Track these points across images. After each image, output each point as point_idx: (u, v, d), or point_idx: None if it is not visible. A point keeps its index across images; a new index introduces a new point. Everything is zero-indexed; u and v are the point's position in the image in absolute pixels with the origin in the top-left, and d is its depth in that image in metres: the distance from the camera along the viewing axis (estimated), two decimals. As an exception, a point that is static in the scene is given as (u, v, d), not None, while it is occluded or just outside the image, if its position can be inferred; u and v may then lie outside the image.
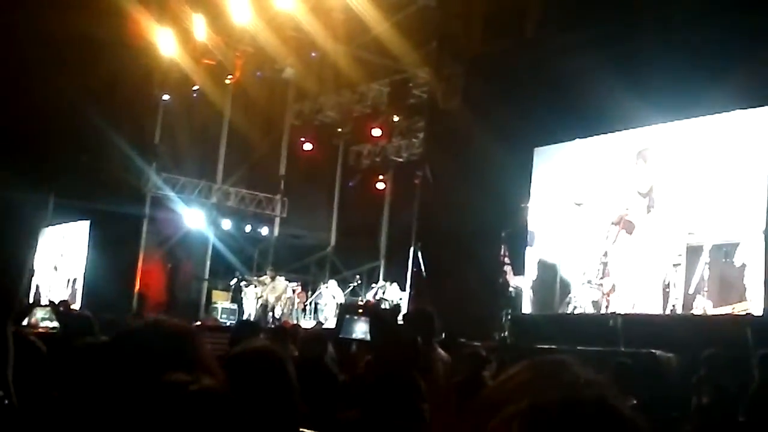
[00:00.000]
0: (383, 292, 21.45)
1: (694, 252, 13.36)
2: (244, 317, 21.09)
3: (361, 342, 11.91)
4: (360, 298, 22.24)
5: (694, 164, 13.68)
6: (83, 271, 24.52)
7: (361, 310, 17.61)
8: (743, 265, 12.68)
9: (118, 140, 21.89)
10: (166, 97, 23.93)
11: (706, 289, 13.08)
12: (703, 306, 13.04)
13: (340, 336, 14.88)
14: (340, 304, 20.33)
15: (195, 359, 1.96)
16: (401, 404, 4.08)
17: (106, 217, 23.32)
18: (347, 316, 16.75)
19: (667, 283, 13.72)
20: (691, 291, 13.25)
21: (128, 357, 1.63)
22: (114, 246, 23.22)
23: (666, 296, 13.68)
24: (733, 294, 12.80)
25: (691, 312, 13.16)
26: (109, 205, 22.63)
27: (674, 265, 13.63)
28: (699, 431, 6.73)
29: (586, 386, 1.08)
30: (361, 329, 15.94)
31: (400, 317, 14.80)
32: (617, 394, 1.08)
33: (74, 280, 24.71)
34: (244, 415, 1.48)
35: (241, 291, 22.79)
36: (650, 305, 13.87)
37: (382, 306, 19.58)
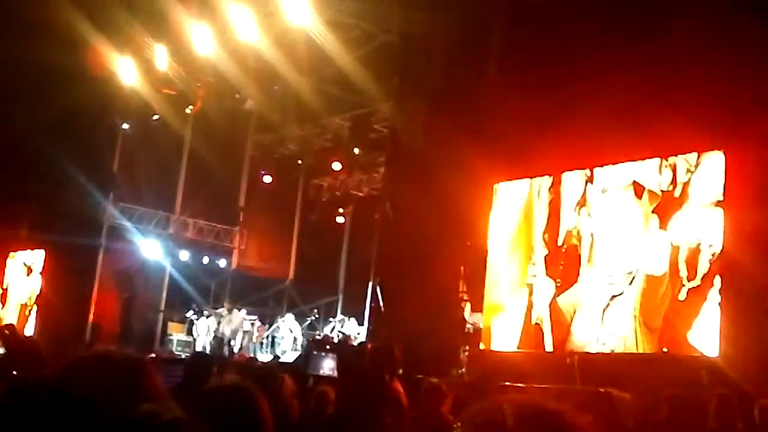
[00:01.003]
0: (341, 327, 21.36)
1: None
2: (198, 349, 20.83)
3: (319, 377, 11.81)
4: (317, 333, 22.14)
5: (638, 204, 14.01)
6: (35, 300, 24.16)
7: (328, 347, 17.53)
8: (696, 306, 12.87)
9: (75, 169, 21.62)
10: (125, 126, 23.74)
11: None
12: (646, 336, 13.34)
13: (308, 372, 14.76)
14: (309, 340, 20.23)
15: (149, 390, 1.89)
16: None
17: (61, 246, 23.01)
18: (315, 353, 16.68)
19: (612, 318, 13.98)
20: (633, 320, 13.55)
21: (79, 389, 1.57)
22: (69, 275, 22.90)
23: (610, 324, 13.95)
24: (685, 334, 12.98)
25: (640, 343, 13.42)
26: (65, 234, 22.33)
27: (617, 294, 13.93)
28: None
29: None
30: (328, 365, 15.88)
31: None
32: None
33: (28, 308, 24.33)
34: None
35: (194, 323, 22.57)
36: (598, 340, 14.07)
37: (350, 343, 19.48)
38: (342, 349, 17.34)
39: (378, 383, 4.56)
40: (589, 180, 15.04)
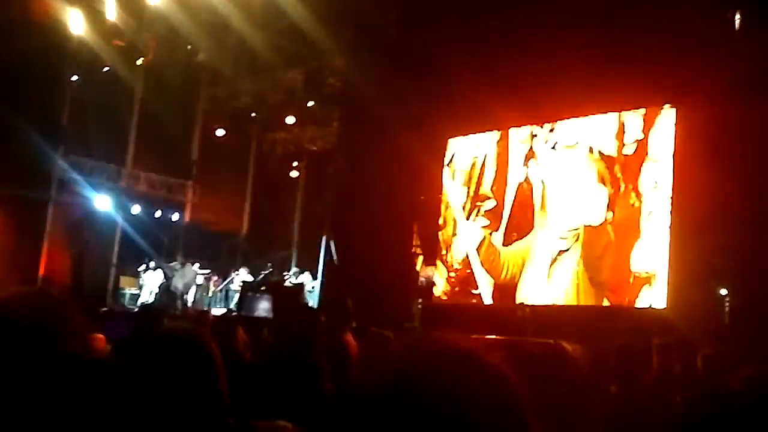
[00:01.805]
0: (296, 280, 21.40)
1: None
2: (142, 301, 20.72)
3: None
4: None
5: (588, 160, 14.21)
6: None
7: (263, 288, 17.51)
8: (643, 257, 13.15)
9: (23, 121, 21.21)
10: (75, 77, 23.30)
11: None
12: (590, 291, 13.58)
13: (242, 314, 14.74)
14: (243, 282, 20.24)
15: (69, 329, 1.90)
16: (302, 381, 4.05)
17: (9, 200, 22.64)
18: (249, 294, 16.64)
19: (557, 265, 14.26)
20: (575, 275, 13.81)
21: (9, 325, 1.57)
22: (17, 230, 22.57)
23: (555, 277, 14.23)
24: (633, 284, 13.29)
25: (582, 299, 13.70)
26: (13, 188, 21.96)
27: (564, 250, 14.18)
28: (607, 419, 6.90)
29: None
30: (263, 307, 15.87)
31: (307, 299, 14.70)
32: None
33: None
34: (165, 397, 1.44)
35: (141, 276, 22.50)
36: (546, 293, 14.33)
37: (285, 284, 19.53)
38: (277, 290, 17.37)
39: (312, 325, 4.59)
40: (541, 135, 15.18)
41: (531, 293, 14.55)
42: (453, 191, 16.46)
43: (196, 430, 1.99)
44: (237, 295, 20.68)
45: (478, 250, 15.64)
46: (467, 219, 15.96)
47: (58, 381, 1.30)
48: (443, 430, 0.99)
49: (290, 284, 19.74)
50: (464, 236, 15.83)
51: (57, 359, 1.38)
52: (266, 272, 22.14)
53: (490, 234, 15.56)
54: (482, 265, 15.50)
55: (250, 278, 21.69)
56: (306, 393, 3.99)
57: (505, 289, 15.05)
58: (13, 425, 1.26)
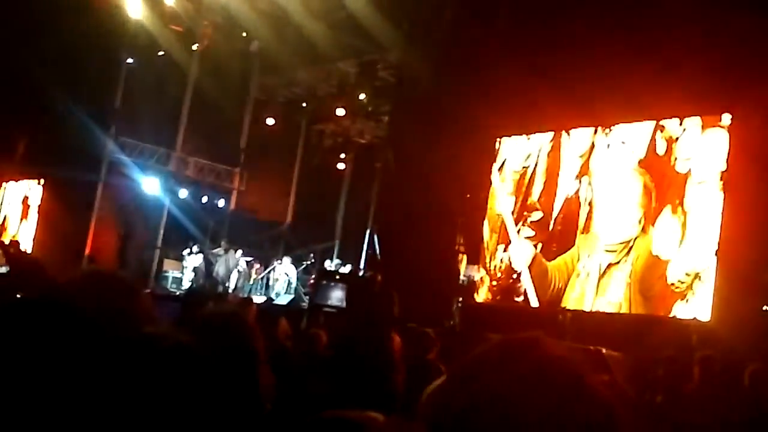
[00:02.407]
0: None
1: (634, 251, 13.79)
2: (192, 287, 20.90)
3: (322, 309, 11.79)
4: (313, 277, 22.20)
5: (641, 167, 14.00)
6: (32, 231, 24.22)
7: (338, 277, 17.47)
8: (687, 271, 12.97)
9: (77, 102, 21.50)
10: (130, 60, 23.57)
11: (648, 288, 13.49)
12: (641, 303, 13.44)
13: (316, 302, 14.73)
14: (319, 270, 20.18)
15: (143, 314, 1.89)
16: (375, 374, 4.01)
17: (60, 180, 22.99)
18: (323, 282, 16.60)
19: (607, 278, 14.06)
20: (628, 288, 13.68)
21: (81, 309, 1.57)
22: (67, 209, 22.92)
23: (605, 291, 14.04)
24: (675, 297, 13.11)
25: (634, 311, 13.54)
26: (64, 168, 22.28)
27: (614, 263, 13.98)
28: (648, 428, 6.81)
29: (556, 362, 1.06)
30: (336, 296, 15.84)
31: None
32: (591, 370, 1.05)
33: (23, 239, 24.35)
34: (214, 375, 1.43)
35: (184, 259, 22.73)
36: (590, 297, 14.19)
37: (358, 273, 19.40)
38: (351, 278, 17.28)
39: (386, 314, 4.57)
40: (593, 140, 14.99)
41: (579, 307, 14.37)
42: (502, 198, 16.30)
43: (236, 411, 1.99)
44: (284, 291, 20.78)
45: (529, 267, 15.45)
46: (515, 227, 15.72)
47: (140, 365, 1.29)
48: None
49: (364, 275, 19.63)
50: (516, 253, 15.55)
51: (138, 343, 1.37)
52: (308, 263, 22.21)
53: (537, 248, 15.40)
54: (532, 281, 15.34)
55: (292, 268, 21.76)
56: (379, 385, 3.95)
57: (552, 304, 14.90)
58: (96, 409, 1.25)
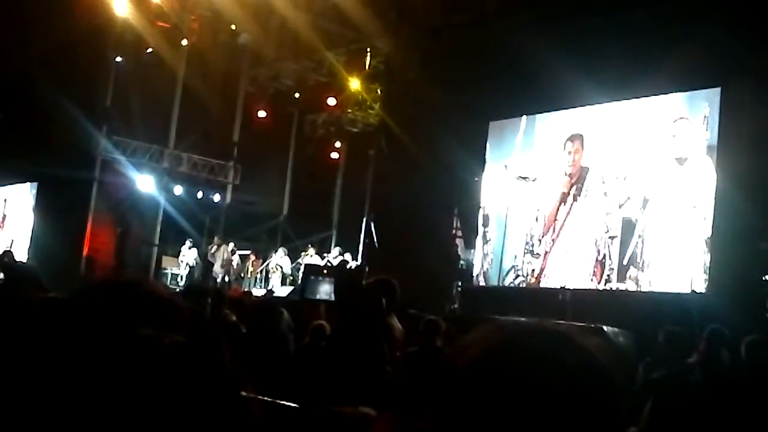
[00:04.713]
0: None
1: (629, 225, 13.80)
2: (189, 284, 20.91)
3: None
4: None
5: (636, 143, 14.05)
6: (29, 234, 24.21)
7: (326, 271, 17.49)
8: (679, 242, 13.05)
9: (68, 102, 21.45)
10: (118, 59, 23.52)
11: (639, 261, 13.54)
12: (636, 277, 13.44)
13: (305, 297, 14.77)
14: (306, 265, 20.20)
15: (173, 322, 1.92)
16: (366, 363, 4.07)
17: (54, 180, 22.95)
18: (311, 277, 16.62)
19: (602, 256, 14.14)
20: (625, 262, 13.66)
21: (100, 312, 1.60)
22: (62, 210, 22.88)
23: (602, 267, 14.11)
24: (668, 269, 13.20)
25: (626, 284, 13.59)
26: (58, 167, 22.25)
27: (610, 238, 14.06)
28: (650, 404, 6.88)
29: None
30: (324, 290, 15.86)
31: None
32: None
33: (17, 243, 24.35)
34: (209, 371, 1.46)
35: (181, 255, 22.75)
36: (587, 275, 14.22)
37: (347, 266, 19.43)
38: (339, 271, 17.28)
39: (377, 307, 4.61)
40: (584, 119, 15.06)
41: (574, 280, 14.45)
42: (495, 178, 16.35)
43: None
44: (279, 284, 20.79)
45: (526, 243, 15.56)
46: (508, 208, 15.78)
47: (131, 366, 1.33)
48: (539, 400, 1.02)
49: (353, 266, 19.64)
50: (510, 232, 15.62)
51: (131, 344, 1.41)
52: (307, 254, 22.21)
53: (532, 228, 15.50)
54: (525, 256, 15.45)
55: (286, 260, 21.76)
56: (369, 375, 4.01)
57: (547, 278, 15.01)
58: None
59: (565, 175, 15.15)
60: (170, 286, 21.52)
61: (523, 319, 1.19)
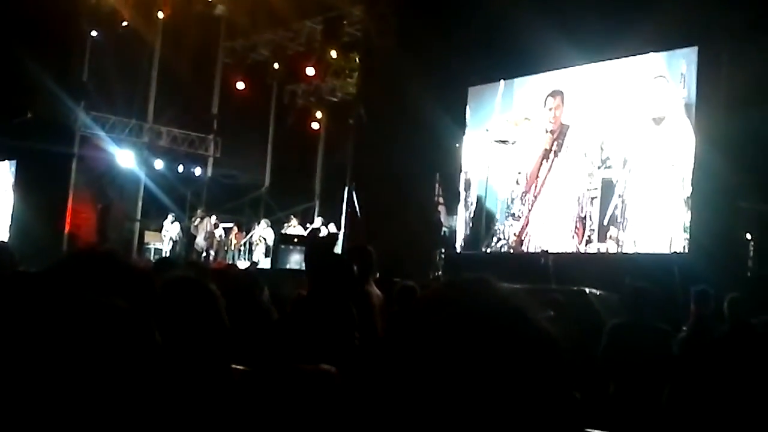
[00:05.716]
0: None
1: (609, 185, 13.86)
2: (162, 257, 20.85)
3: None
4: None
5: (615, 103, 14.08)
6: (10, 211, 24.06)
7: (296, 240, 17.47)
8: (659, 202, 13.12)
9: (44, 77, 21.23)
10: (94, 33, 23.27)
11: (619, 221, 13.62)
12: (617, 237, 13.48)
13: (277, 267, 14.75)
14: (279, 234, 20.21)
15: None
16: (334, 328, 4.08)
17: (32, 156, 22.78)
18: (282, 247, 16.63)
19: (583, 215, 14.22)
20: (605, 223, 13.72)
21: (62, 282, 1.60)
22: (42, 186, 22.73)
23: (583, 226, 14.19)
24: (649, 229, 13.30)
25: (607, 243, 13.67)
26: (36, 144, 22.08)
27: (591, 198, 14.13)
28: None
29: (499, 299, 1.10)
30: (295, 260, 15.88)
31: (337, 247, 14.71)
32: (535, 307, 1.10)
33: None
34: (169, 340, 1.48)
35: (164, 229, 22.63)
36: (567, 235, 14.28)
37: (318, 234, 19.44)
38: (310, 240, 17.34)
39: (347, 273, 4.61)
40: (564, 80, 15.04)
41: (556, 241, 14.52)
42: (477, 143, 16.35)
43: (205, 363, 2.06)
44: (263, 255, 20.78)
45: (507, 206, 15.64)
46: (488, 172, 15.81)
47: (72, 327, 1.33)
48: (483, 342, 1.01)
49: (324, 235, 19.65)
50: (490, 197, 15.68)
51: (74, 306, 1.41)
52: (289, 225, 22.18)
53: (513, 192, 15.57)
54: (506, 220, 15.52)
55: (269, 231, 21.73)
56: (337, 342, 4.02)
57: (529, 240, 15.09)
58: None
59: (546, 132, 15.19)
60: (153, 261, 21.50)
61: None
